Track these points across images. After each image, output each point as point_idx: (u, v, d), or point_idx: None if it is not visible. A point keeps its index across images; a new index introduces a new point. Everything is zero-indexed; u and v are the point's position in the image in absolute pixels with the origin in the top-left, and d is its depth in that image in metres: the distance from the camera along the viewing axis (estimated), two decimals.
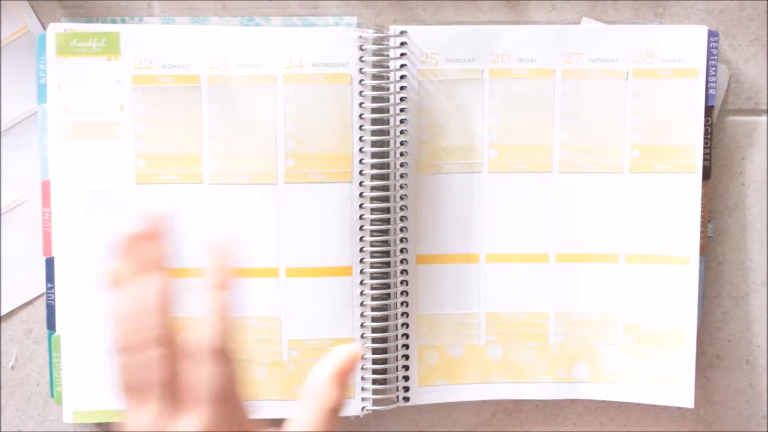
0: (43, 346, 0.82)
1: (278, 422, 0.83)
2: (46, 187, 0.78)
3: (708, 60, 0.78)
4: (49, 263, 0.78)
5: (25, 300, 0.81)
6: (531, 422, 0.84)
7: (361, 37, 0.77)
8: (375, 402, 0.80)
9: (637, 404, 0.82)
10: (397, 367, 0.80)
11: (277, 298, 0.78)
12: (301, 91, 0.77)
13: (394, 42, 0.78)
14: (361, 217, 0.78)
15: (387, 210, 0.79)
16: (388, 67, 0.78)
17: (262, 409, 0.79)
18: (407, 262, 0.79)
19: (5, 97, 0.80)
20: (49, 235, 0.78)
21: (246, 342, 0.78)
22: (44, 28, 0.79)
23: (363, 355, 0.79)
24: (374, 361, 0.79)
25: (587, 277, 0.80)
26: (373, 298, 0.79)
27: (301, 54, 0.77)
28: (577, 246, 0.80)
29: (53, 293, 0.78)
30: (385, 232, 0.79)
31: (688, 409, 0.82)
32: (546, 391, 0.81)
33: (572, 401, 0.84)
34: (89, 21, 0.79)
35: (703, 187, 0.79)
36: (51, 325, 0.79)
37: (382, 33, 0.78)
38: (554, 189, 0.80)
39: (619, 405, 0.83)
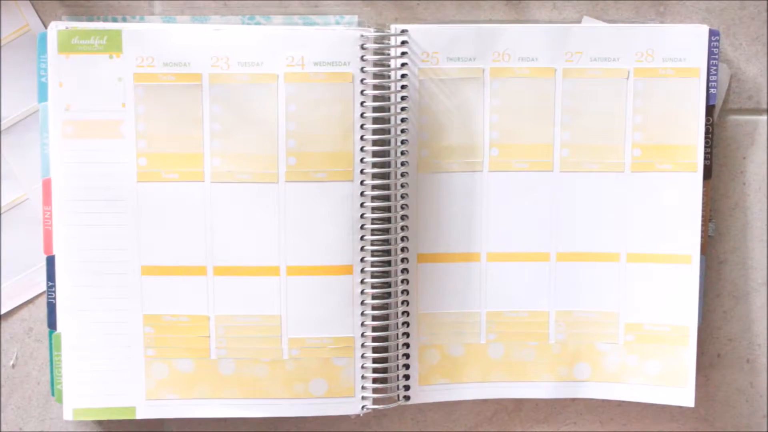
0: (44, 345, 0.81)
1: (278, 421, 0.83)
2: (47, 185, 0.78)
3: (709, 59, 0.78)
4: (50, 261, 0.78)
5: (25, 298, 0.81)
6: (532, 421, 0.84)
7: (362, 36, 0.77)
8: (375, 401, 0.80)
9: (638, 403, 0.82)
10: (397, 366, 0.80)
11: (278, 296, 0.78)
12: (303, 90, 0.77)
13: (395, 41, 0.78)
14: (362, 215, 0.78)
15: (388, 209, 0.79)
16: (389, 66, 0.78)
17: (262, 408, 0.79)
18: (408, 261, 0.79)
19: (6, 96, 0.80)
20: (49, 234, 0.78)
21: (247, 340, 0.78)
22: (45, 27, 0.79)
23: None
24: (375, 360, 0.79)
25: (588, 276, 0.80)
26: (374, 297, 0.79)
27: (303, 53, 0.77)
28: (578, 245, 0.80)
29: (54, 291, 0.78)
30: (386, 230, 0.79)
31: (688, 408, 0.82)
32: (547, 390, 0.81)
33: (573, 400, 0.84)
34: (90, 20, 0.79)
35: (704, 186, 0.79)
36: (52, 323, 0.79)
37: (383, 32, 0.78)
38: (555, 188, 0.80)
39: (620, 404, 0.83)
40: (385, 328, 0.80)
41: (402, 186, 0.79)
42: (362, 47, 0.77)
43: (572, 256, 0.80)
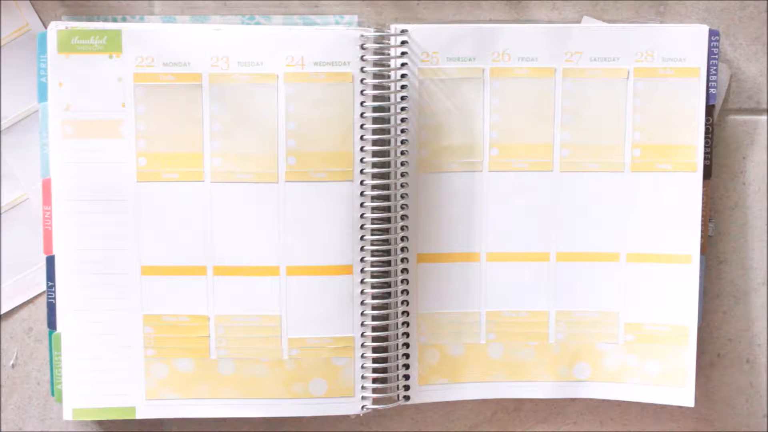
0: (44, 345, 0.81)
1: (278, 421, 0.83)
2: (46, 185, 0.78)
3: (709, 59, 0.78)
4: (50, 261, 0.78)
5: (25, 298, 0.81)
6: (532, 421, 0.84)
7: (362, 36, 0.77)
8: (375, 401, 0.80)
9: (638, 403, 0.82)
10: (397, 365, 0.80)
11: (278, 296, 0.78)
12: (303, 90, 0.77)
13: (395, 41, 0.78)
14: (361, 215, 0.78)
15: (388, 209, 0.79)
16: (389, 66, 0.78)
17: (262, 408, 0.79)
18: (408, 261, 0.79)
19: (6, 96, 0.80)
20: (49, 234, 0.78)
21: (246, 340, 0.78)
22: (45, 27, 0.79)
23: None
24: (374, 360, 0.79)
25: (588, 276, 0.80)
26: (374, 297, 0.79)
27: (303, 53, 0.77)
28: (577, 245, 0.80)
29: (54, 291, 0.78)
30: (386, 230, 0.79)
31: (688, 408, 0.82)
32: (547, 390, 0.81)
33: (573, 400, 0.84)
34: (90, 20, 0.79)
35: (704, 186, 0.79)
36: (51, 323, 0.79)
37: (383, 32, 0.78)
38: (555, 188, 0.80)
39: (620, 404, 0.83)
40: (384, 328, 0.80)
41: (402, 186, 0.79)
42: (362, 47, 0.77)
43: (572, 256, 0.80)
